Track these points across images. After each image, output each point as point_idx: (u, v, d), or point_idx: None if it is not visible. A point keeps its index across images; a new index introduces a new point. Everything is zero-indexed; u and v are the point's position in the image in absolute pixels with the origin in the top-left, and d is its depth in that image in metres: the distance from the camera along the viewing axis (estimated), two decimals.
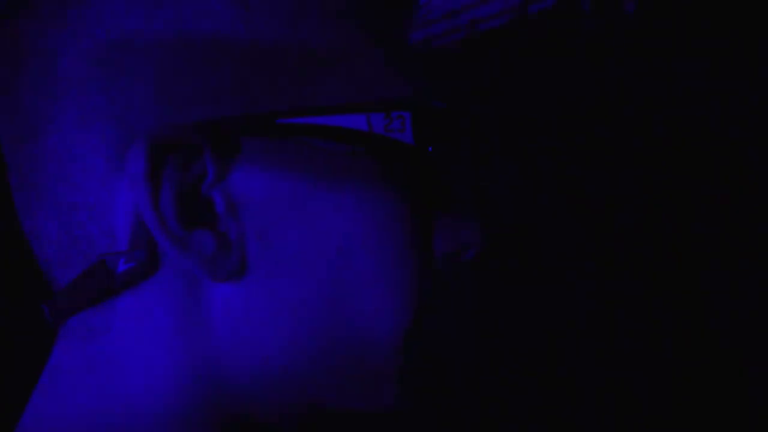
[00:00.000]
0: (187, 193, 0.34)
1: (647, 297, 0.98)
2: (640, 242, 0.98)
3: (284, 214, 0.35)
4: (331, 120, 0.34)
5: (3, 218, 0.43)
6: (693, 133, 0.97)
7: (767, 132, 0.94)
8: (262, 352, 0.36)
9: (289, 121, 0.34)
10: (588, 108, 1.00)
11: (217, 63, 0.34)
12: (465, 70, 1.02)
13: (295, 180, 0.35)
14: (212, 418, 0.36)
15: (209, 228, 0.34)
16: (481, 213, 0.43)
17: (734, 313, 0.95)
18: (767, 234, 0.94)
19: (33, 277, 0.39)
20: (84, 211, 0.35)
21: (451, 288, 0.43)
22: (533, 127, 1.00)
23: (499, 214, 1.00)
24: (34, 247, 0.38)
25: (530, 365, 0.99)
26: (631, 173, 0.98)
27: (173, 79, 0.34)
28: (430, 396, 0.43)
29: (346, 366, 0.37)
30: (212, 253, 0.34)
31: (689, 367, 0.96)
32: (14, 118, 0.36)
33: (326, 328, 0.36)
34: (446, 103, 0.37)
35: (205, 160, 0.34)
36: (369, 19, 0.38)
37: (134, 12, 0.34)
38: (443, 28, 1.00)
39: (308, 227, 0.35)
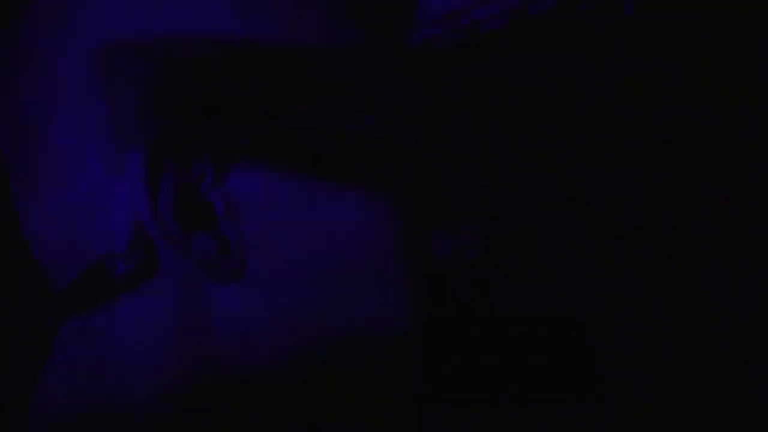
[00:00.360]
0: (186, 194, 0.34)
1: (647, 297, 0.98)
2: (640, 242, 0.98)
3: (284, 216, 0.35)
4: (331, 122, 0.34)
5: (2, 220, 0.43)
6: (693, 133, 0.97)
7: (767, 132, 0.94)
8: (261, 354, 0.36)
9: (288, 123, 0.34)
10: (588, 108, 1.00)
11: (216, 65, 0.34)
12: (465, 70, 1.02)
13: (295, 183, 0.35)
14: (210, 420, 0.36)
15: (208, 230, 0.34)
16: (480, 213, 0.43)
17: (734, 313, 0.95)
18: (767, 234, 0.94)
19: (32, 278, 0.39)
20: (81, 214, 0.35)
21: (451, 288, 0.43)
22: (533, 128, 1.00)
23: (500, 214, 0.99)
24: (33, 250, 0.38)
25: (530, 365, 0.99)
26: (631, 173, 0.98)
27: (171, 81, 0.34)
28: (429, 396, 0.43)
29: (346, 368, 0.37)
30: (211, 255, 0.34)
31: (689, 367, 0.96)
32: (13, 119, 0.36)
33: (325, 330, 0.36)
34: (445, 104, 0.37)
35: (203, 163, 0.34)
36: (368, 20, 0.38)
37: (134, 14, 0.34)
38: (442, 30, 1.00)
39: (308, 229, 0.35)
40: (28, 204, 0.37)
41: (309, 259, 0.36)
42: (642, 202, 0.98)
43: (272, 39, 0.35)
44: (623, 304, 0.99)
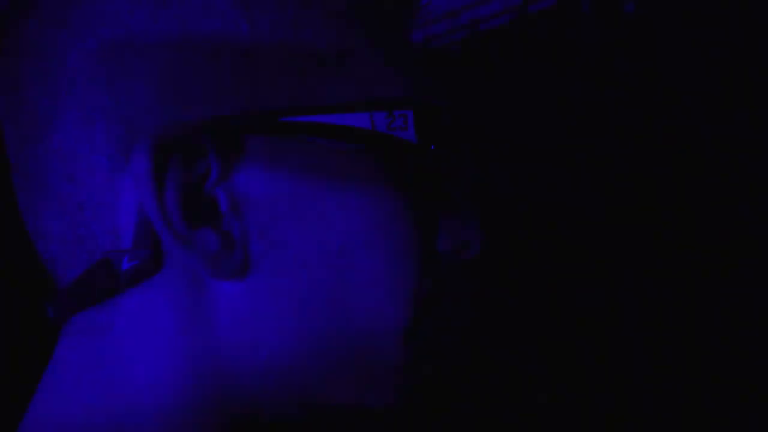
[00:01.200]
0: (191, 191, 0.34)
1: (647, 297, 0.98)
2: (641, 242, 0.98)
3: (287, 212, 0.35)
4: (334, 118, 0.35)
5: (6, 217, 0.43)
6: (694, 134, 0.97)
7: (767, 132, 0.94)
8: (265, 350, 0.36)
9: (291, 119, 0.34)
10: (588, 108, 1.00)
11: (220, 62, 0.34)
12: (465, 69, 1.02)
13: (298, 179, 0.35)
14: (216, 417, 0.36)
15: (213, 226, 0.35)
16: (481, 212, 0.43)
17: (735, 313, 0.95)
18: (767, 234, 0.95)
19: (36, 275, 0.40)
20: (88, 210, 0.35)
21: (451, 286, 0.44)
22: (533, 128, 1.01)
23: (500, 214, 1.00)
24: (38, 246, 0.38)
25: (529, 365, 0.99)
26: (631, 173, 0.99)
27: (176, 77, 0.34)
28: (429, 395, 0.43)
29: (349, 364, 0.38)
30: (216, 252, 0.34)
31: (690, 367, 0.96)
32: (19, 117, 0.36)
33: (329, 326, 0.37)
34: (448, 101, 0.37)
35: (208, 158, 0.34)
36: (371, 18, 0.38)
37: (138, 11, 0.34)
38: (443, 28, 1.00)
39: (310, 225, 0.36)
40: (32, 199, 0.37)
41: (312, 254, 0.36)
42: (642, 202, 0.99)
43: (277, 36, 0.35)
44: (624, 303, 0.99)
